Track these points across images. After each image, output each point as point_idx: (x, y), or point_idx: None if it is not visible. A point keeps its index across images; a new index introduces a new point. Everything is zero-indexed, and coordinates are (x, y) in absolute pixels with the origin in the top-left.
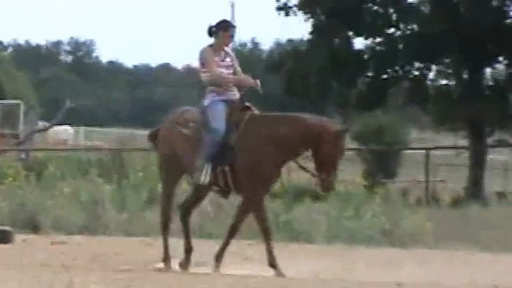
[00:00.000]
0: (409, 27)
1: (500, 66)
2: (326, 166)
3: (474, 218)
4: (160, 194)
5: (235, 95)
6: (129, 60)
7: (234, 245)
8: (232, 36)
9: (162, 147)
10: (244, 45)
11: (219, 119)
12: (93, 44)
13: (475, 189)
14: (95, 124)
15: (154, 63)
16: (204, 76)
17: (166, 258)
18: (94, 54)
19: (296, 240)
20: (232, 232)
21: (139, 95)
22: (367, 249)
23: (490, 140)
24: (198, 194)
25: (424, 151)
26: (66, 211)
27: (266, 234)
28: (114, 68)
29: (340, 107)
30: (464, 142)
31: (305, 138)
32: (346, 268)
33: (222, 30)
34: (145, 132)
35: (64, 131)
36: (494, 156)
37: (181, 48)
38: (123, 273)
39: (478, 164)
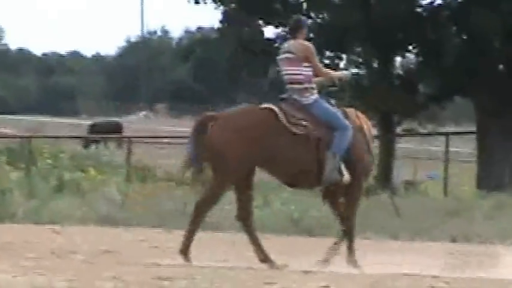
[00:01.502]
0: (320, 16)
1: (410, 56)
2: None
3: (383, 207)
4: (206, 193)
5: None
6: (38, 47)
7: (142, 233)
8: None
9: (242, 149)
10: (153, 33)
11: (341, 116)
12: (1, 31)
13: (384, 178)
14: (6, 112)
15: (63, 51)
16: (306, 71)
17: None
18: (3, 42)
19: (205, 229)
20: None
21: (49, 83)
22: (276, 237)
23: (399, 129)
24: (244, 197)
25: None
26: None
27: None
28: (23, 55)
29: (251, 94)
30: (373, 131)
31: None
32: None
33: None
34: (56, 120)
35: None
36: (403, 146)
37: (90, 35)
38: (31, 260)
39: (387, 153)
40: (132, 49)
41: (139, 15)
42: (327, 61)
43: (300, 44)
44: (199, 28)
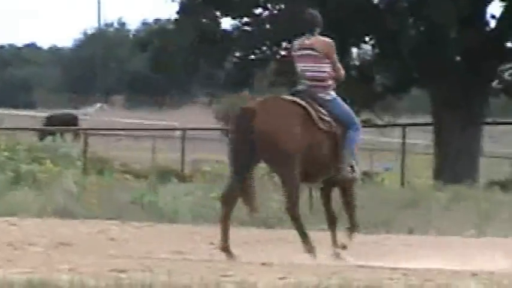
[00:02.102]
0: (277, 7)
1: (367, 47)
2: None
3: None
4: (286, 196)
5: None
6: None
7: (99, 225)
8: None
9: (294, 143)
10: (110, 25)
11: (354, 114)
12: None
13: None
14: None
15: (19, 43)
16: (329, 69)
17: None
18: None
19: (161, 220)
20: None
21: (5, 75)
22: (233, 229)
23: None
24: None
25: None
26: None
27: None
28: None
29: (207, 86)
30: None
31: None
32: (213, 248)
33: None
34: (12, 112)
35: None
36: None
37: (47, 27)
38: None
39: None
40: (88, 41)
41: (96, 7)
42: (284, 52)
43: (323, 41)
44: (157, 20)
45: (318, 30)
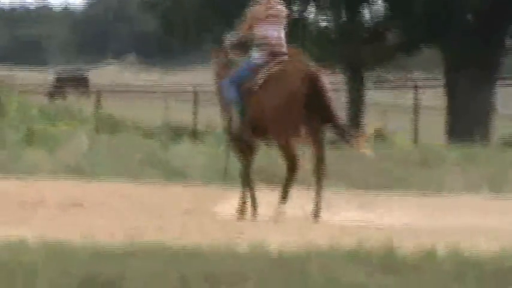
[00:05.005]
0: None
1: (378, 7)
2: None
3: (350, 157)
4: None
5: None
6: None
7: (111, 184)
8: None
9: None
10: None
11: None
12: None
13: (354, 128)
14: None
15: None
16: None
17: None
18: None
19: (174, 179)
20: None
21: (17, 35)
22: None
23: (368, 80)
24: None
25: None
26: None
27: None
28: None
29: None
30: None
31: None
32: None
33: None
34: (24, 73)
35: None
36: (373, 96)
37: None
38: None
39: (355, 103)
40: (100, 1)
41: None
42: (295, 13)
43: (282, 6)
44: None
45: None
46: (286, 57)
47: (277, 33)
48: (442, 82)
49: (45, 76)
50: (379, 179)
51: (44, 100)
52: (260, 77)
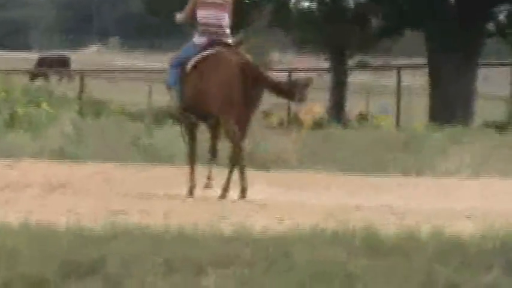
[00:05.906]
0: None
1: None
2: None
3: (335, 140)
4: None
5: None
6: None
7: (96, 167)
8: None
9: None
10: None
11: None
12: None
13: (336, 111)
14: None
15: None
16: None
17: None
18: None
19: (158, 162)
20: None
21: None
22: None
23: (351, 62)
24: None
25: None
26: None
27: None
28: None
29: None
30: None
31: None
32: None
33: None
34: (6, 54)
35: None
36: (356, 79)
37: None
38: None
39: (338, 86)
40: None
41: None
42: None
43: None
44: None
45: None
46: (222, 47)
47: (217, 20)
48: (425, 64)
49: (27, 57)
50: (361, 160)
51: (26, 80)
52: (194, 60)
